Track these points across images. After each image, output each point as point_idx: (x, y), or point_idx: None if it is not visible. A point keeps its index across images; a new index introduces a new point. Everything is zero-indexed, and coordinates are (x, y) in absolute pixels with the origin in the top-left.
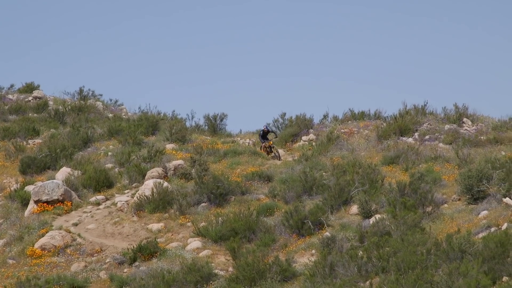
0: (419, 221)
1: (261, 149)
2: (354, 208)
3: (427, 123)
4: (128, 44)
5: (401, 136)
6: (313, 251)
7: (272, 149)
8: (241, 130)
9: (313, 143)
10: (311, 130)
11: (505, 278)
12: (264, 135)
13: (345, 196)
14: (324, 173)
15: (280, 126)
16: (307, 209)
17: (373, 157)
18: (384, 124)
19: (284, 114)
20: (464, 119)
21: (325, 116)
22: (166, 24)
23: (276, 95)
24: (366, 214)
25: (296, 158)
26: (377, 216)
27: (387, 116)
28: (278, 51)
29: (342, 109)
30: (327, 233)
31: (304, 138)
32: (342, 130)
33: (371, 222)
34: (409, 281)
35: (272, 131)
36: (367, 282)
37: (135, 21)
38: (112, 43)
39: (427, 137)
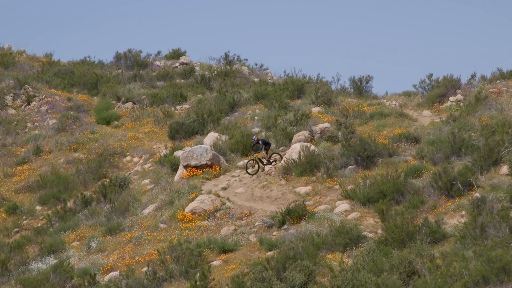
0: None
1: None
2: (504, 169)
3: None
4: (271, 7)
5: None
6: (463, 213)
7: (256, 162)
8: (387, 92)
9: (461, 104)
10: (458, 91)
11: None
12: (252, 146)
13: (495, 156)
14: (472, 134)
15: (426, 87)
16: (456, 170)
17: None
18: None
19: (431, 75)
20: None
21: (473, 76)
22: None
23: (422, 56)
24: None
25: (443, 119)
26: None
27: None
28: (423, 9)
29: (490, 69)
30: (477, 194)
31: (451, 99)
32: (491, 90)
33: None
34: None
35: (262, 144)
36: None
37: None
38: (255, 6)
39: None
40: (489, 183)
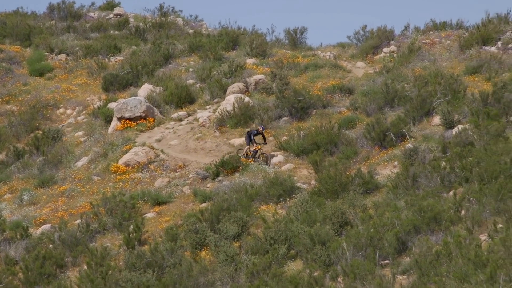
0: (502, 131)
1: (244, 153)
2: (437, 119)
3: (510, 31)
4: None
5: (484, 45)
6: (395, 163)
7: (260, 155)
8: (321, 43)
9: (394, 55)
10: (392, 42)
11: None
12: (256, 135)
13: (427, 107)
14: (405, 85)
15: (360, 39)
16: (389, 121)
17: (455, 67)
18: (466, 33)
19: (365, 26)
20: None
21: (406, 27)
22: None
23: (356, 7)
24: (449, 124)
25: (377, 70)
26: (460, 126)
27: (469, 26)
28: None
29: (423, 20)
30: (410, 145)
31: (385, 50)
32: (424, 41)
33: (453, 132)
34: (493, 190)
35: (263, 136)
36: (450, 193)
37: None
38: None
39: (510, 45)
40: (421, 133)
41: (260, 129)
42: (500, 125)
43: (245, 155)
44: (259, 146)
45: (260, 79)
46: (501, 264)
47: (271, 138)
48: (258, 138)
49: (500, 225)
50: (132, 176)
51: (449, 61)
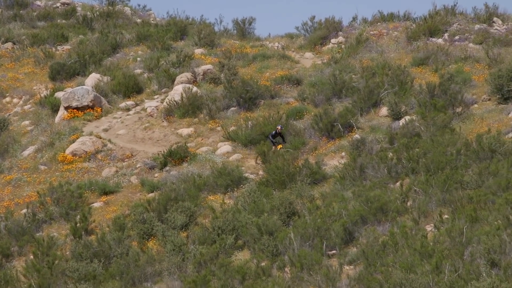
0: (449, 122)
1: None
2: (384, 110)
3: (457, 23)
4: None
5: (431, 37)
6: (343, 154)
7: None
8: (269, 34)
9: (342, 46)
10: (340, 33)
11: None
12: (275, 136)
13: (375, 98)
14: (353, 76)
15: (309, 29)
16: (336, 112)
17: (403, 59)
18: (414, 25)
19: (314, 17)
20: (495, 19)
21: (354, 18)
22: None
23: None
24: (396, 115)
25: (325, 61)
26: (407, 117)
27: (417, 17)
28: None
29: (371, 11)
30: (357, 136)
31: (333, 41)
32: (372, 32)
33: (400, 123)
34: (439, 181)
35: (282, 135)
36: (397, 183)
37: None
38: None
39: (457, 37)
40: (368, 124)
41: (279, 128)
42: (447, 116)
43: None
44: (281, 146)
45: (208, 69)
46: (447, 255)
47: (218, 128)
48: (277, 138)
49: (446, 216)
50: (79, 165)
51: (396, 53)
